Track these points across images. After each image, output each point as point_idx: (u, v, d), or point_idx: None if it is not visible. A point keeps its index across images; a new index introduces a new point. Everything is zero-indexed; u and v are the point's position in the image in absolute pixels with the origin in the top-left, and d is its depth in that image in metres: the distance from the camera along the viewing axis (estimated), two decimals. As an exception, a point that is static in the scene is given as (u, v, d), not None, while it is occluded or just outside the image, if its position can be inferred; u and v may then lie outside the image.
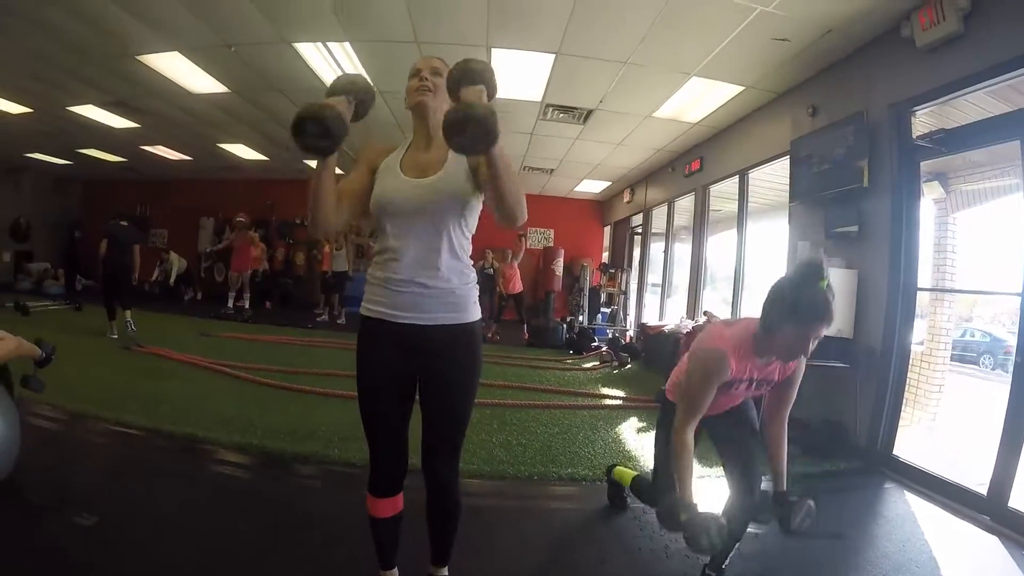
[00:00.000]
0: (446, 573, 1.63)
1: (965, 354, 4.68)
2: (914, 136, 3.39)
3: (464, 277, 1.44)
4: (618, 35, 4.23)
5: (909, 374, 3.49)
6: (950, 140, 3.13)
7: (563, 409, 4.23)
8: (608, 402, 4.53)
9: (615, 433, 3.72)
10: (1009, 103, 2.88)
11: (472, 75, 1.25)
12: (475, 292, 1.48)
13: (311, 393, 4.02)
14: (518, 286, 8.68)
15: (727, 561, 1.86)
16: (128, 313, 6.01)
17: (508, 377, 5.31)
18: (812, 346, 1.54)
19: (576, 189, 11.07)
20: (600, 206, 12.21)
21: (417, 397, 1.48)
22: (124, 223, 6.25)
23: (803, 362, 1.72)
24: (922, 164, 3.42)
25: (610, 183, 10.09)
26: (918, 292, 3.40)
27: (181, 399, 3.62)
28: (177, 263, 11.06)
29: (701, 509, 1.54)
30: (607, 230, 11.99)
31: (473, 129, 1.10)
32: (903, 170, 3.39)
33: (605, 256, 11.85)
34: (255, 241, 8.97)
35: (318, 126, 1.19)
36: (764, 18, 3.67)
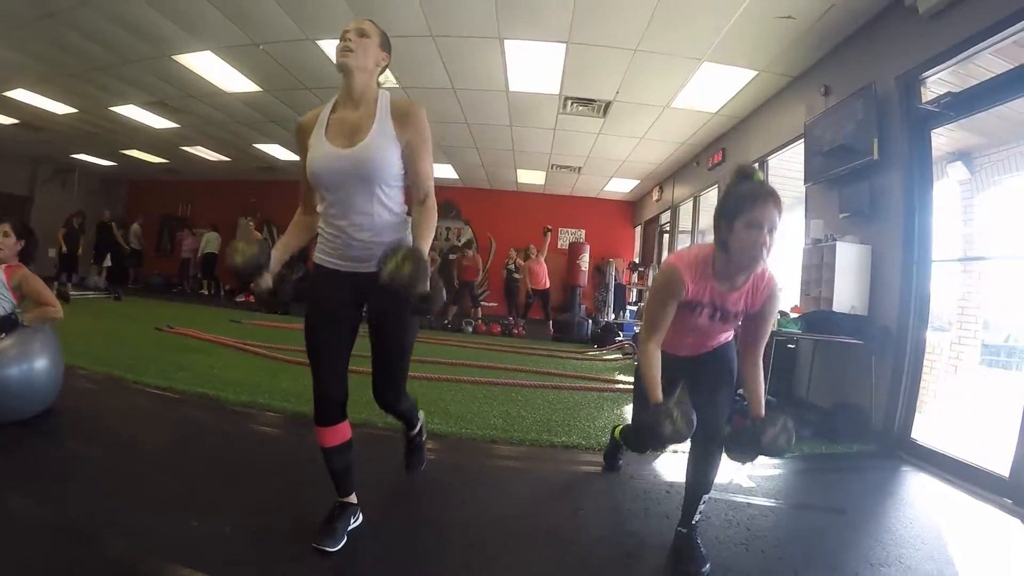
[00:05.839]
0: (412, 434, 2.09)
1: (1010, 360, 4.26)
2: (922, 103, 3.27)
3: (399, 228, 1.58)
4: (624, 20, 4.28)
5: (938, 359, 3.28)
6: (958, 103, 3.01)
7: (572, 391, 4.21)
8: (620, 386, 4.48)
9: (620, 412, 3.69)
10: (1017, 61, 2.73)
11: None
12: (410, 237, 1.56)
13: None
14: (545, 282, 8.71)
15: (697, 516, 1.78)
16: (69, 285, 8.43)
17: (523, 363, 5.35)
18: (769, 240, 1.50)
19: (606, 188, 11.03)
20: (631, 207, 12.14)
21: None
22: (77, 223, 8.91)
23: (775, 299, 1.69)
24: (944, 145, 3.27)
25: (639, 181, 10.02)
26: (933, 264, 3.24)
27: (200, 368, 3.86)
28: (213, 240, 11.22)
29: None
30: (638, 230, 11.90)
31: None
32: (914, 139, 3.27)
33: (636, 256, 11.75)
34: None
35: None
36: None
